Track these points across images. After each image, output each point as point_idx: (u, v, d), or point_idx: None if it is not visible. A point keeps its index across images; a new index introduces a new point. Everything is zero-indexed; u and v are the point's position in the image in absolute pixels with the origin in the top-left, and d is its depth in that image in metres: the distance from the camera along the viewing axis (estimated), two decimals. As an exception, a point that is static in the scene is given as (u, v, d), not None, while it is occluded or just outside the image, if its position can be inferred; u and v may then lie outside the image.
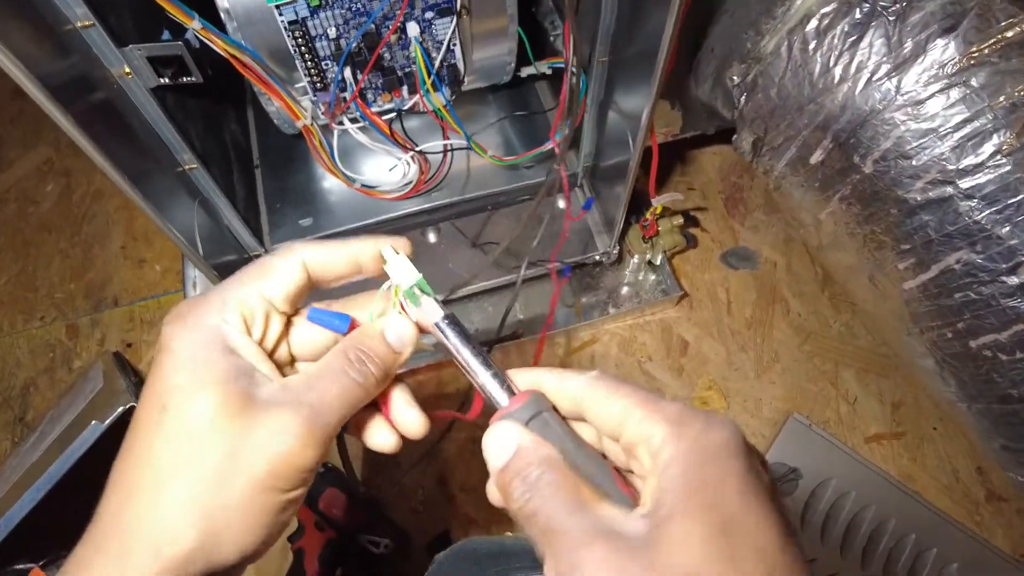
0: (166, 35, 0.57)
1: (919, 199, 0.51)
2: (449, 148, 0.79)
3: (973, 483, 0.77)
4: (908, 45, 0.49)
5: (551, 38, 0.80)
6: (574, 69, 0.72)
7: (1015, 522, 0.75)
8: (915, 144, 0.50)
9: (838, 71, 0.53)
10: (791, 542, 0.22)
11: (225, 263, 0.73)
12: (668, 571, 0.21)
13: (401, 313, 0.32)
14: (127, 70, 0.54)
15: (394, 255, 0.32)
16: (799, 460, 0.76)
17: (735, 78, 0.63)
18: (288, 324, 0.31)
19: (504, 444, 0.27)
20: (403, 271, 0.31)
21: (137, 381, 0.75)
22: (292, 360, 0.31)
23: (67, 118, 0.44)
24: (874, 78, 0.51)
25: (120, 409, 0.54)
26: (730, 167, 0.97)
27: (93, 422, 0.51)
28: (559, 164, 0.68)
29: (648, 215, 0.78)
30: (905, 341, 0.61)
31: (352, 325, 0.31)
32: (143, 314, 0.88)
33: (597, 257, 0.84)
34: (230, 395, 0.26)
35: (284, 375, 0.29)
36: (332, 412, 0.27)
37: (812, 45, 0.54)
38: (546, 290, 0.87)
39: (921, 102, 0.49)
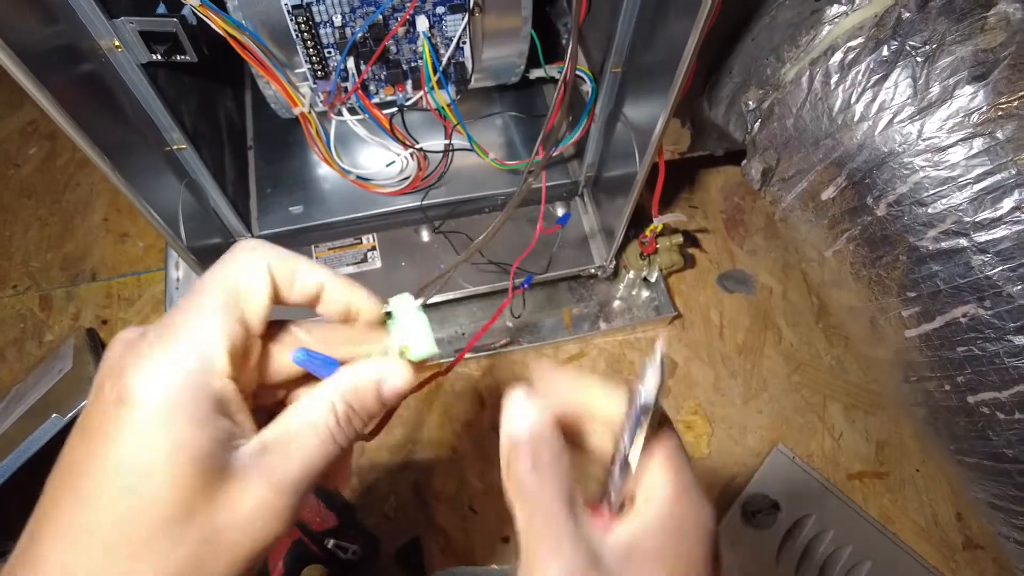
0: (161, 8, 0.54)
1: (931, 248, 0.50)
2: (451, 148, 0.76)
3: (951, 528, 0.76)
4: (935, 89, 0.47)
5: (564, 41, 0.78)
6: (588, 78, 0.69)
7: (989, 570, 0.75)
8: (932, 192, 0.48)
9: (859, 108, 0.51)
10: None
11: (208, 247, 0.71)
12: None
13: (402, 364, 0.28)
14: (116, 43, 0.51)
15: (409, 315, 0.29)
16: (780, 493, 0.75)
17: (751, 103, 0.61)
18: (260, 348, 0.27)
19: (528, 415, 0.26)
20: (419, 336, 0.28)
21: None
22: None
23: (37, 86, 0.41)
24: (896, 119, 0.49)
25: (83, 404, 0.51)
26: (733, 188, 0.95)
27: (53, 415, 0.49)
28: (531, 170, 0.65)
29: (648, 232, 0.77)
30: (899, 387, 0.60)
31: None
32: (121, 291, 0.85)
33: (592, 270, 0.82)
34: (209, 472, 0.22)
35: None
36: (311, 479, 0.25)
37: (834, 79, 0.52)
38: (547, 298, 0.85)
39: (943, 149, 0.47)
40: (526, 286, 0.77)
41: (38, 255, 0.87)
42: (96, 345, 0.76)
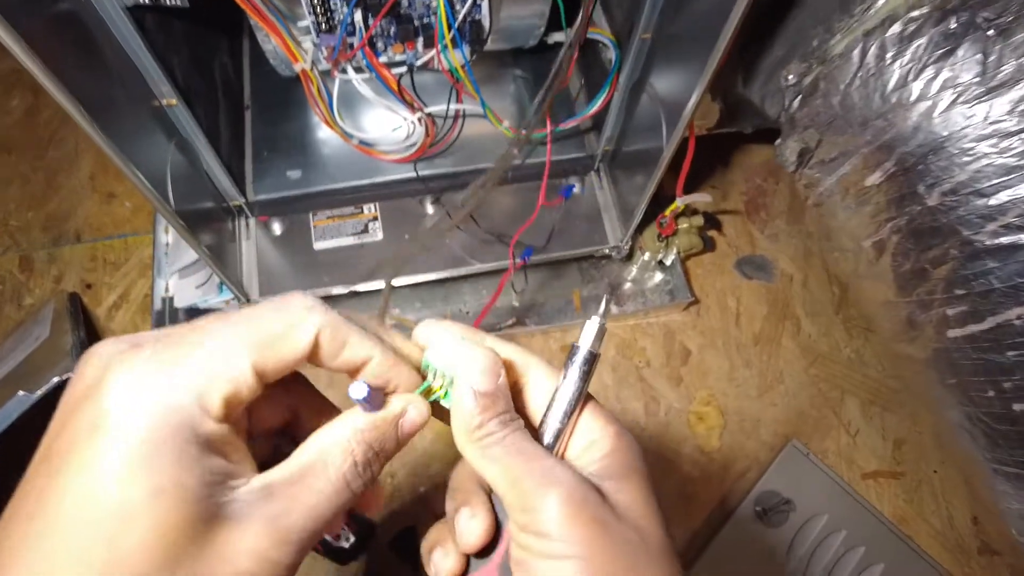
0: (150, -56, 0.49)
1: (987, 243, 0.45)
2: (461, 113, 0.71)
3: (967, 533, 0.74)
4: (1008, 67, 0.42)
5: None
6: (611, 44, 0.64)
7: (1004, 577, 0.72)
8: (995, 182, 0.44)
9: (917, 86, 0.46)
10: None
11: (198, 211, 0.66)
12: (622, 512, 0.24)
13: (439, 397, 0.28)
14: (98, -19, 0.46)
15: (453, 343, 0.28)
16: (793, 490, 0.72)
17: (791, 77, 0.56)
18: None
19: (495, 372, 0.26)
20: (470, 363, 0.27)
21: (85, 339, 0.67)
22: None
23: (7, 29, 0.36)
24: (960, 100, 0.44)
25: (55, 380, 0.47)
26: (756, 168, 0.90)
27: (20, 393, 0.45)
28: (521, 136, 0.61)
29: (668, 212, 0.72)
30: (932, 388, 0.57)
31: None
32: (107, 254, 0.81)
33: (606, 251, 0.78)
34: (198, 518, 0.20)
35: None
36: (318, 530, 0.23)
37: (891, 53, 0.47)
38: (555, 278, 0.81)
39: (1012, 135, 0.43)
40: (526, 259, 0.73)
41: (19, 214, 0.82)
42: (77, 311, 0.71)
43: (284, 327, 0.23)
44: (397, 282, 0.74)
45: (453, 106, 0.69)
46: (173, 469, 0.19)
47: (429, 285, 0.79)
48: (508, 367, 0.28)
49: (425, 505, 0.70)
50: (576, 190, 0.79)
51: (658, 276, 0.81)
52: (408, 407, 0.27)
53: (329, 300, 0.75)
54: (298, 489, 0.22)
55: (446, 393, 0.28)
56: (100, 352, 0.22)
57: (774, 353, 0.80)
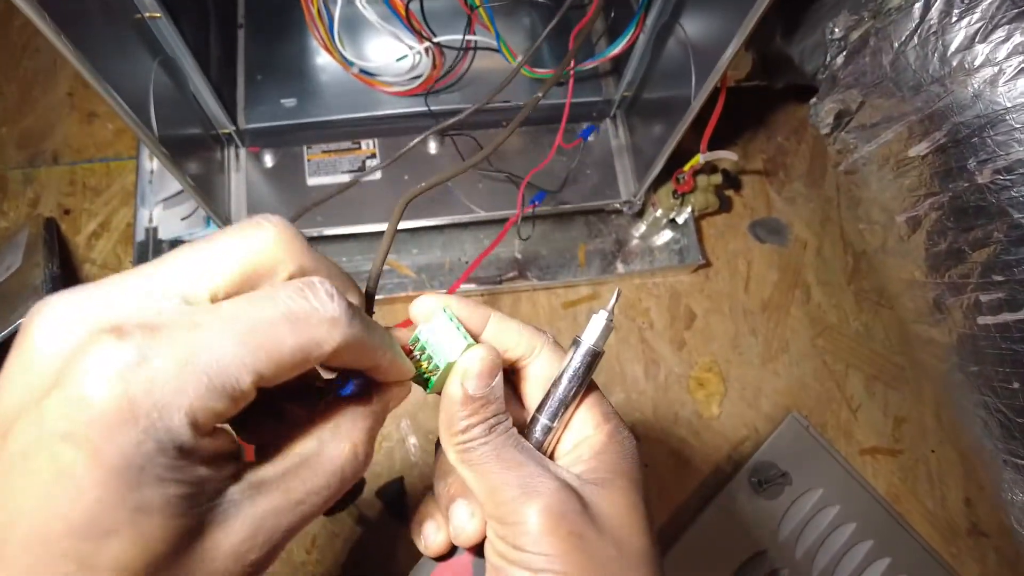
0: None
1: (1038, 229, 0.42)
2: (473, 46, 0.66)
3: (959, 514, 0.73)
4: (1091, 35, 0.38)
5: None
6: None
7: (989, 559, 0.72)
8: (1059, 163, 0.40)
9: (983, 50, 0.42)
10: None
11: (183, 138, 0.61)
12: (602, 523, 0.24)
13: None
14: None
15: (452, 331, 0.26)
16: (790, 462, 0.71)
17: (838, 31, 0.51)
18: None
19: (492, 373, 0.25)
20: (467, 362, 0.26)
21: (57, 273, 0.63)
22: None
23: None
24: (1030, 68, 0.40)
25: (20, 321, 0.44)
26: (778, 125, 0.86)
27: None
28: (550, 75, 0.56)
29: (687, 168, 0.68)
30: (951, 372, 0.54)
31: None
32: (87, 178, 0.76)
33: (617, 205, 0.74)
34: (180, 532, 0.18)
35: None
36: (302, 526, 0.21)
37: (958, 10, 0.43)
38: (560, 231, 0.77)
39: (1084, 112, 0.39)
40: (537, 203, 0.69)
41: (-8, 128, 0.77)
42: (53, 239, 0.67)
43: (300, 343, 0.19)
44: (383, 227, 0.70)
45: (465, 37, 0.63)
46: (156, 488, 0.17)
47: (428, 231, 0.75)
48: (510, 349, 0.28)
49: (416, 457, 0.68)
50: (589, 138, 0.74)
51: (668, 234, 0.78)
52: (394, 391, 0.26)
53: (321, 240, 0.72)
54: (292, 483, 0.21)
55: (430, 380, 0.26)
56: (58, 316, 0.18)
57: (781, 321, 0.78)
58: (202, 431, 0.18)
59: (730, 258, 0.79)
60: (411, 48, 0.63)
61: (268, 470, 0.21)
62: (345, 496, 0.63)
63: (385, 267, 0.74)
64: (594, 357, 0.26)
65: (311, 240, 0.71)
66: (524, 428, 0.27)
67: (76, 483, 0.16)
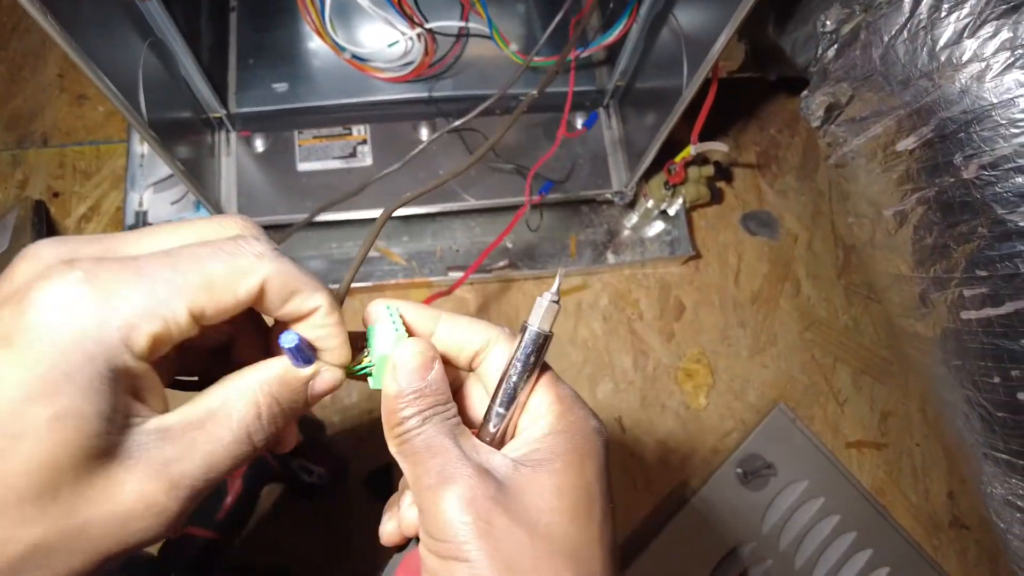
0: None
1: (1021, 224, 0.42)
2: (465, 32, 0.65)
3: (941, 507, 0.74)
4: (1078, 31, 0.38)
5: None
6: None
7: (970, 551, 0.73)
8: (1043, 159, 0.40)
9: (971, 45, 0.42)
10: (613, 551, 0.25)
11: (174, 122, 0.61)
12: (516, 508, 0.23)
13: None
14: None
15: (390, 331, 0.26)
16: (776, 454, 0.71)
17: (829, 23, 0.51)
18: None
19: (426, 366, 0.26)
20: (399, 359, 0.26)
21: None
22: None
23: None
24: (1017, 63, 0.40)
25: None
26: (771, 118, 0.85)
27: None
28: (556, 69, 0.56)
29: (679, 159, 0.68)
30: (934, 367, 0.55)
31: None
32: (77, 161, 0.75)
33: (609, 195, 0.74)
34: (89, 452, 0.19)
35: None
36: (213, 480, 0.22)
37: (947, 5, 0.42)
38: (552, 221, 0.77)
39: (1069, 108, 0.39)
40: (544, 194, 0.69)
41: (-20, 108, 0.76)
42: (41, 221, 0.67)
43: (230, 273, 0.21)
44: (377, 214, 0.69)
45: (457, 23, 0.63)
46: (77, 398, 0.18)
47: (419, 219, 0.75)
48: (465, 346, 0.28)
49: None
50: (580, 126, 0.74)
51: (659, 226, 0.78)
52: (322, 369, 0.25)
53: (311, 227, 0.72)
54: (196, 435, 0.22)
55: (370, 374, 0.27)
56: (39, 254, 0.20)
57: (770, 314, 0.78)
58: (138, 351, 0.20)
59: (721, 250, 0.80)
60: (403, 34, 0.63)
61: (175, 417, 0.21)
62: (329, 480, 0.63)
63: (376, 254, 0.74)
64: (542, 340, 0.26)
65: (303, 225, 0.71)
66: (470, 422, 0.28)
67: (5, 380, 0.18)
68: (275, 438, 0.24)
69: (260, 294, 0.22)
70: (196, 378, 0.28)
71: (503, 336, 0.28)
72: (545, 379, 0.27)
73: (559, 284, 0.27)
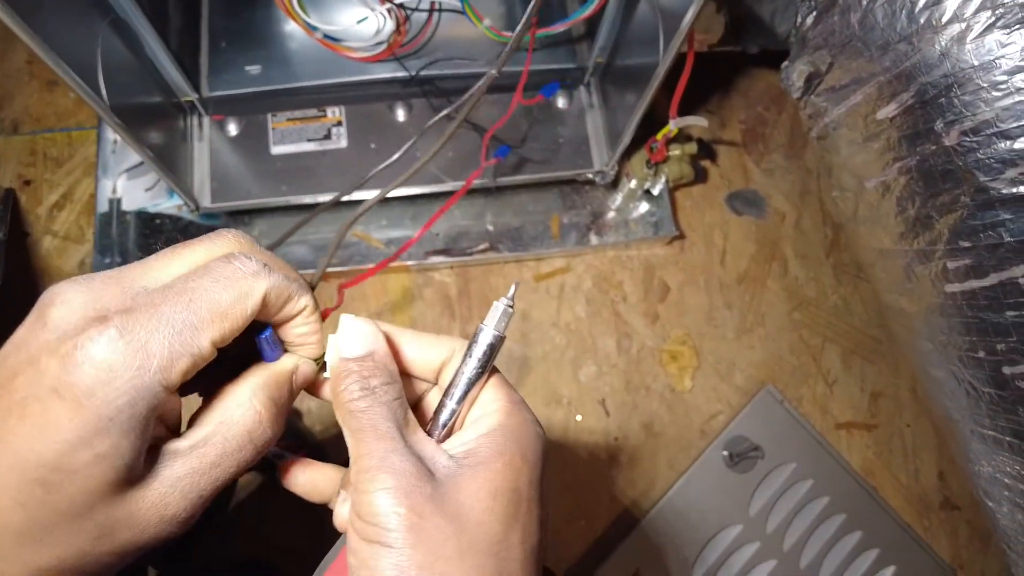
0: None
1: (1004, 192, 0.41)
2: (436, 7, 0.64)
3: (932, 487, 0.73)
4: (1060, -13, 0.36)
5: None
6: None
7: (960, 531, 0.72)
8: (1025, 122, 0.39)
9: (951, 6, 0.40)
10: (536, 555, 0.26)
11: (141, 106, 0.60)
12: (450, 506, 0.24)
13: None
14: None
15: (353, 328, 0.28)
16: (763, 436, 0.70)
17: (808, -12, 0.49)
18: None
19: (367, 338, 0.27)
20: (342, 330, 0.28)
21: (4, 239, 0.61)
22: None
23: None
24: (998, 24, 0.39)
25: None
26: (758, 95, 0.84)
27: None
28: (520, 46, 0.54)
29: (659, 136, 0.66)
30: (919, 344, 0.53)
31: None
32: (48, 148, 0.74)
33: (590, 175, 0.72)
34: (125, 481, 0.23)
35: None
36: (221, 486, 0.25)
37: (927, -38, 0.41)
38: (533, 202, 0.75)
39: (1052, 68, 0.37)
40: (500, 157, 0.67)
41: (-52, 95, 0.75)
42: (7, 209, 0.65)
43: (236, 299, 0.24)
44: (360, 196, 0.68)
45: None
46: (118, 438, 0.22)
47: (398, 202, 0.73)
48: (431, 358, 0.29)
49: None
50: (563, 104, 0.73)
51: (643, 206, 0.76)
52: (299, 363, 0.29)
53: (287, 211, 0.70)
54: (204, 451, 0.25)
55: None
56: (70, 302, 0.23)
57: (757, 295, 0.77)
58: (172, 385, 0.23)
59: (706, 231, 0.78)
60: (372, 9, 0.61)
61: (184, 443, 0.25)
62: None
63: (353, 238, 0.73)
64: (495, 342, 0.27)
65: (277, 209, 0.70)
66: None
67: (56, 428, 0.21)
68: (276, 437, 0.27)
69: (262, 307, 0.25)
70: None
71: (464, 348, 0.30)
72: (495, 380, 0.29)
73: (515, 291, 0.28)
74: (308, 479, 0.30)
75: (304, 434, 0.64)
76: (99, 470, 0.22)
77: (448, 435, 0.28)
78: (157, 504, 0.24)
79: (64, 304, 0.23)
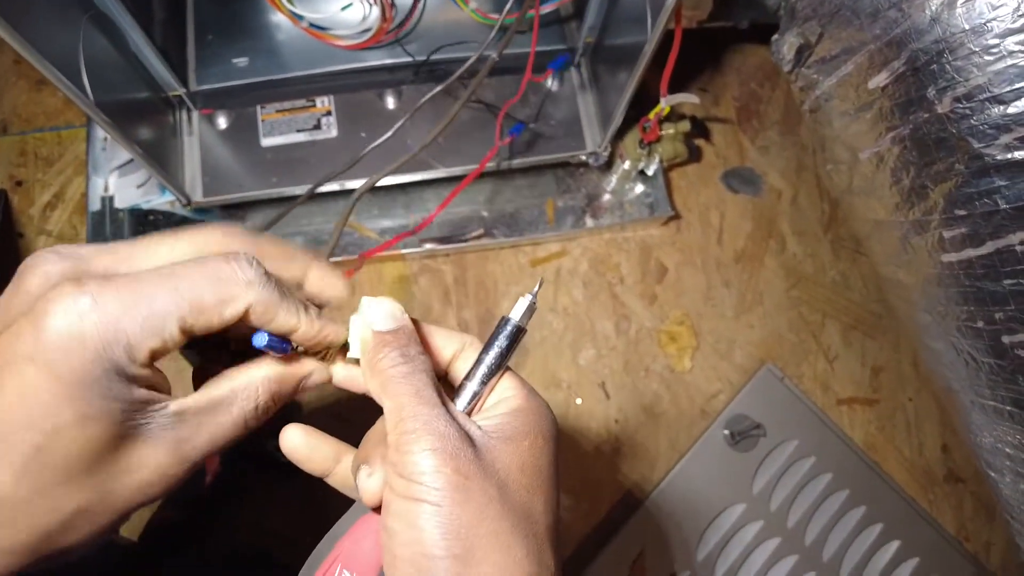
0: None
1: (998, 158, 0.40)
2: (423, -7, 0.63)
3: (935, 461, 0.72)
4: (1051, -56, 0.35)
5: None
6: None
7: (966, 504, 0.72)
8: (1018, 86, 0.38)
9: (941, -32, 0.39)
10: (557, 526, 0.27)
11: (128, 102, 0.59)
12: (488, 469, 0.25)
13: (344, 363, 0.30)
14: None
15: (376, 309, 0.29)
16: (764, 414, 0.70)
17: (796, -43, 0.48)
18: None
19: (396, 315, 0.28)
20: (371, 308, 0.28)
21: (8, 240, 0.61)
22: None
23: None
24: (989, -15, 0.38)
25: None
26: (751, 71, 0.83)
27: None
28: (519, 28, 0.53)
29: (652, 116, 0.66)
30: (918, 316, 0.53)
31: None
32: (39, 148, 0.74)
33: (583, 157, 0.71)
34: (116, 438, 0.23)
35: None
36: (211, 453, 0.26)
37: (915, -76, 0.40)
38: (528, 186, 0.75)
39: (1045, 29, 0.36)
40: (515, 134, 0.66)
41: (-63, 98, 0.74)
42: None
43: (219, 300, 0.24)
44: (352, 184, 0.68)
45: (413, -15, 0.61)
46: (99, 401, 0.22)
47: (390, 191, 0.73)
48: (443, 348, 0.30)
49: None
50: (554, 86, 0.72)
51: (639, 187, 0.76)
52: (314, 371, 0.29)
53: (278, 202, 0.70)
54: (204, 419, 0.26)
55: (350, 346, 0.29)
56: (46, 270, 0.24)
57: (755, 273, 0.76)
58: (140, 362, 0.23)
59: (702, 210, 0.78)
60: (357, -3, 0.61)
61: (189, 402, 0.25)
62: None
63: (347, 228, 0.73)
64: (519, 332, 0.29)
65: (272, 202, 0.70)
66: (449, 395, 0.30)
67: (34, 392, 0.22)
68: (265, 422, 0.28)
69: (244, 316, 0.25)
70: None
71: (474, 343, 0.31)
72: (509, 371, 0.30)
73: (539, 288, 0.30)
74: (307, 444, 0.30)
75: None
76: (88, 430, 0.22)
77: (470, 415, 0.29)
78: (157, 463, 0.24)
79: (41, 273, 0.24)
